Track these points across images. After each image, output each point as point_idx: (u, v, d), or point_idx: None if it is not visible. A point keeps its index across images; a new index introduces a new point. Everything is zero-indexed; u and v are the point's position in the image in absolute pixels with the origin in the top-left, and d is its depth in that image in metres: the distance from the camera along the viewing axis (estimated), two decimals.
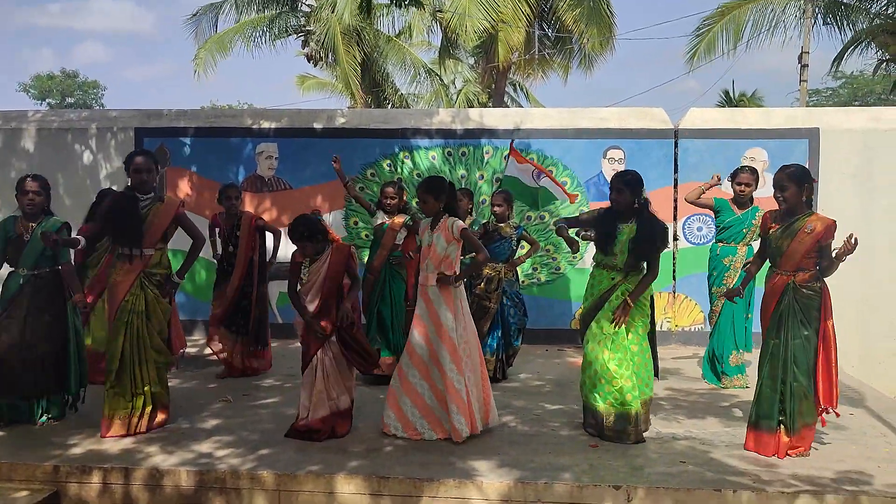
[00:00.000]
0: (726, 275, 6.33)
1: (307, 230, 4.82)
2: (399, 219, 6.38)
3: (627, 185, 4.86)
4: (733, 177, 6.42)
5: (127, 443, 4.78)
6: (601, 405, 4.86)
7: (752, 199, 6.37)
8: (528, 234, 6.85)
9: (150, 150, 5.37)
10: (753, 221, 6.21)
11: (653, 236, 4.81)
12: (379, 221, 6.44)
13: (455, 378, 4.78)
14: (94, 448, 4.70)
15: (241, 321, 6.64)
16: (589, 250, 8.29)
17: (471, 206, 7.72)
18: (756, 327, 6.51)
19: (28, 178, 5.23)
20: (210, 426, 5.16)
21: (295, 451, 4.63)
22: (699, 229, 8.21)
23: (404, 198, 6.63)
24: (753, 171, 6.40)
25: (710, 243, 7.89)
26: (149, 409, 5.02)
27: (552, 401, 5.91)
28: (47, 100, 42.01)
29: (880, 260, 7.93)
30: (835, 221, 4.58)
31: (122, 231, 4.97)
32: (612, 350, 4.81)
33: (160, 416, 5.11)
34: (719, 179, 6.49)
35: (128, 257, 4.94)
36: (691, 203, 6.58)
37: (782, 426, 4.61)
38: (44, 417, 5.19)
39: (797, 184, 4.58)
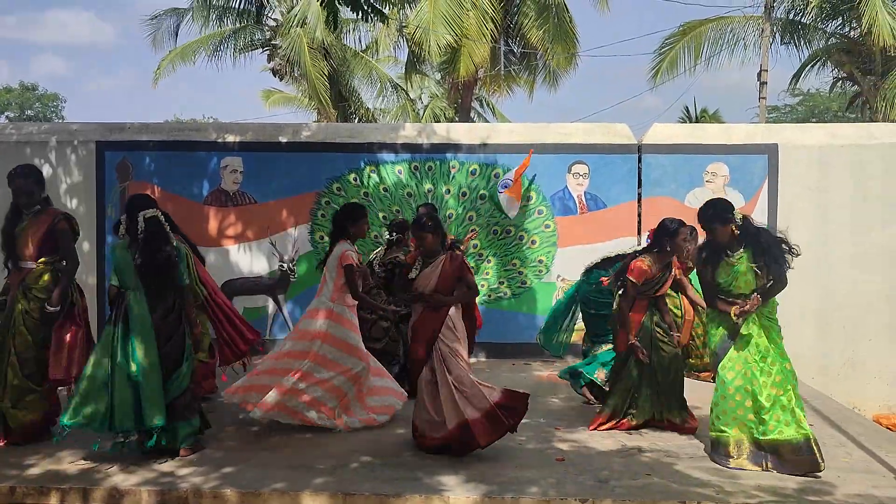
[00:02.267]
0: None
1: (433, 220, 5.02)
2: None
3: (713, 219, 4.71)
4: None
5: (86, 463, 4.66)
6: (775, 435, 4.57)
7: None
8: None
9: (29, 165, 5.30)
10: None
11: (768, 248, 4.63)
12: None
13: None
14: (52, 468, 4.58)
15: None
16: (555, 265, 8.41)
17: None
18: None
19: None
20: None
21: (259, 469, 4.57)
22: None
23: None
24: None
25: None
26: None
27: None
28: (6, 113, 41.22)
29: (837, 272, 8.09)
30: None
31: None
32: (765, 376, 4.63)
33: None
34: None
35: (9, 270, 4.96)
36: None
37: None
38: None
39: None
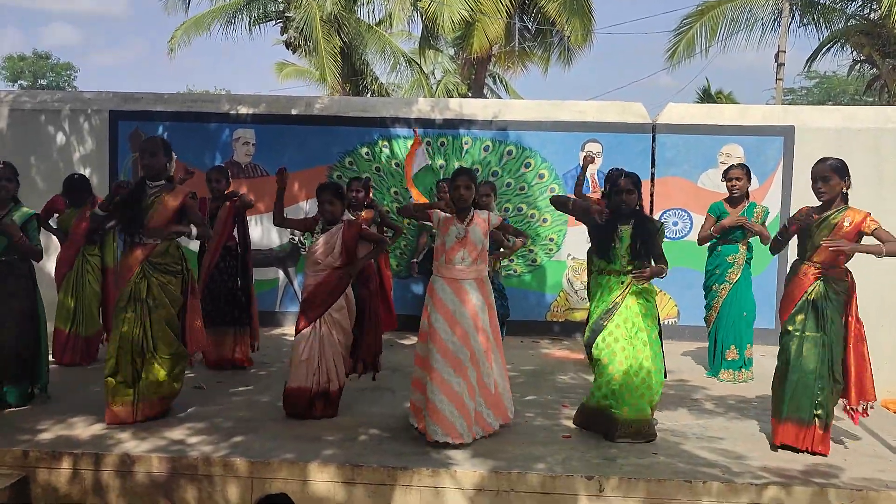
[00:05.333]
0: (730, 271, 6.41)
1: (338, 190, 5.14)
2: (367, 214, 6.39)
3: (636, 185, 4.83)
4: (725, 174, 6.48)
5: (98, 429, 4.73)
6: (620, 414, 4.69)
7: (747, 195, 6.42)
8: (513, 226, 6.81)
9: (161, 137, 5.21)
10: (752, 218, 6.31)
11: (652, 232, 4.80)
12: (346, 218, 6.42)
13: (485, 372, 4.76)
14: (64, 433, 4.64)
15: (235, 313, 6.44)
16: (565, 244, 8.41)
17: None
18: (759, 323, 6.64)
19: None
20: (183, 413, 5.11)
21: (269, 439, 4.61)
22: (675, 224, 8.28)
23: (370, 194, 6.67)
24: (744, 166, 6.49)
25: (686, 238, 8.02)
26: (151, 398, 4.88)
27: (526, 392, 5.93)
28: (19, 81, 41.26)
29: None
30: (869, 213, 4.61)
31: (124, 216, 4.88)
32: (633, 356, 4.71)
33: (158, 408, 4.94)
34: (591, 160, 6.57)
35: (132, 244, 4.88)
36: (706, 240, 6.48)
37: (817, 419, 4.57)
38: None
39: (839, 175, 4.61)
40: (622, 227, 4.80)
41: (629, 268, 4.79)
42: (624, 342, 4.74)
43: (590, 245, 5.23)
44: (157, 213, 4.85)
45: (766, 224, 6.40)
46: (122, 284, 4.90)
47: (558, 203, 5.23)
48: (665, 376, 5.01)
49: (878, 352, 7.75)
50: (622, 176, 4.86)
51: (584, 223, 5.09)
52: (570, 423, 5.09)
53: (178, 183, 5.12)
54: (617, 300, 4.79)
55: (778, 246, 5.02)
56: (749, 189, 6.48)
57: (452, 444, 4.51)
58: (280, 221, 5.24)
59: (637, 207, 4.86)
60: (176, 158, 5.16)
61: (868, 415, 4.72)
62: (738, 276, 6.39)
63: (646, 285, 4.85)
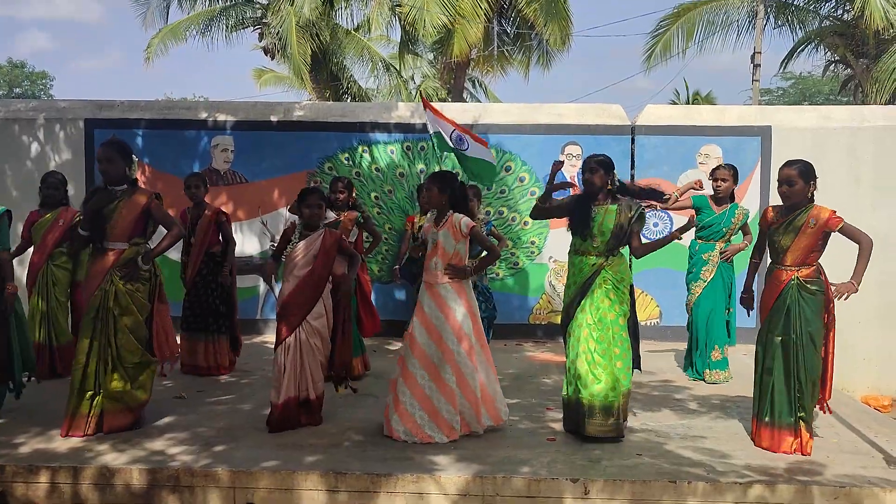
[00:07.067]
0: (704, 269, 6.43)
1: (324, 195, 5.07)
2: (351, 214, 6.35)
3: (600, 164, 4.82)
4: (712, 173, 6.51)
5: (76, 441, 4.65)
6: (584, 397, 4.71)
7: (732, 197, 6.45)
8: (496, 229, 6.78)
9: (119, 140, 5.09)
10: (733, 219, 6.36)
11: (631, 217, 4.78)
12: (331, 218, 6.38)
13: (469, 374, 4.73)
14: (41, 447, 4.56)
15: (211, 320, 6.46)
16: (547, 246, 8.42)
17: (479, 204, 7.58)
18: (741, 322, 6.59)
19: None
20: (163, 423, 5.06)
21: (251, 448, 4.56)
22: (655, 225, 8.31)
23: (353, 194, 6.63)
24: (731, 167, 6.50)
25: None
26: (114, 409, 4.79)
27: (510, 395, 5.90)
28: None
29: (827, 255, 8.07)
30: (833, 210, 4.62)
31: (87, 223, 4.82)
32: (597, 340, 4.73)
33: (123, 419, 4.84)
34: (701, 185, 6.53)
35: (98, 251, 4.82)
36: (668, 209, 6.63)
37: (802, 422, 4.59)
38: None
39: (804, 179, 4.61)
40: (595, 208, 4.81)
41: (602, 248, 4.79)
42: (587, 328, 4.76)
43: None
44: (121, 218, 4.79)
45: (746, 224, 6.46)
46: (88, 291, 4.83)
47: (536, 213, 5.15)
48: (638, 367, 5.02)
49: (854, 349, 7.90)
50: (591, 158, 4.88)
51: (565, 214, 5.04)
52: (554, 426, 5.09)
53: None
54: (587, 283, 4.80)
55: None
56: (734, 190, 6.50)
57: (420, 443, 4.60)
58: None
59: (609, 188, 4.83)
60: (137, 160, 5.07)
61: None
62: (713, 275, 6.40)
63: (618, 274, 4.82)
